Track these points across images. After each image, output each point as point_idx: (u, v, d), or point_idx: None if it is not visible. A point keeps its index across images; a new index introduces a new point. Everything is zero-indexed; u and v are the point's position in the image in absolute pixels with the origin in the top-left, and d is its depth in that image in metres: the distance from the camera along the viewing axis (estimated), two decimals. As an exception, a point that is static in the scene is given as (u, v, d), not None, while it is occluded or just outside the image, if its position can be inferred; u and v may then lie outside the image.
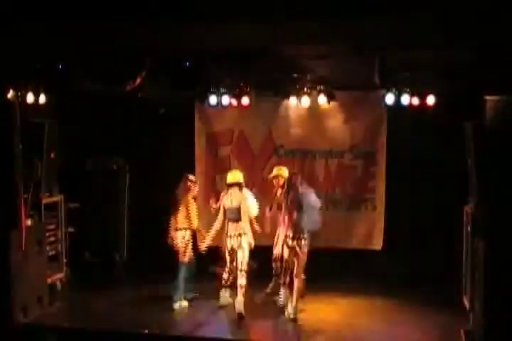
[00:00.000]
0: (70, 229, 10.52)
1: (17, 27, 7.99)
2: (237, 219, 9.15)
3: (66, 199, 10.30)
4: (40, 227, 9.49)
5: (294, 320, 8.88)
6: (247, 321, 8.99)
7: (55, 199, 10.02)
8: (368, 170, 10.83)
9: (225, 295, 9.56)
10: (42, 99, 9.73)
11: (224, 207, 9.23)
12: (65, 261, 10.23)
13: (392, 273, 10.24)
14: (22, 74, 9.30)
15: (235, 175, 9.37)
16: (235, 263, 9.30)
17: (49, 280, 9.60)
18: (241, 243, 9.16)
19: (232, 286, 9.45)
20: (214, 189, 11.02)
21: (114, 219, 11.36)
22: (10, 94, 9.44)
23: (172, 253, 10.79)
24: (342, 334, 8.61)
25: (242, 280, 9.10)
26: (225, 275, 9.50)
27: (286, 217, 8.85)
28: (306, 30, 7.42)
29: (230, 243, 9.21)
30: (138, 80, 8.66)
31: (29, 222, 9.03)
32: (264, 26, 7.43)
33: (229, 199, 9.22)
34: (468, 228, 8.59)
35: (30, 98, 9.60)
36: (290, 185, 8.98)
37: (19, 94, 9.51)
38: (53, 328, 8.69)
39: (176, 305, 9.41)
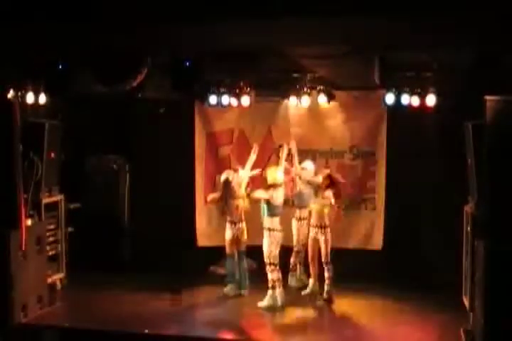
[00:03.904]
0: (70, 229, 10.52)
1: (17, 27, 7.98)
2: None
3: (66, 199, 10.31)
4: (40, 227, 9.49)
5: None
6: (247, 321, 9.01)
7: (55, 199, 10.02)
8: (368, 170, 10.83)
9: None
10: (42, 99, 9.74)
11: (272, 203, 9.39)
12: (65, 261, 10.24)
13: (392, 273, 10.23)
14: (22, 74, 9.30)
15: (275, 176, 9.51)
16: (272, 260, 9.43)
17: (49, 280, 9.62)
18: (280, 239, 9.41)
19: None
20: (214, 189, 11.01)
21: (114, 219, 11.36)
22: (10, 94, 9.45)
23: (171, 253, 10.83)
24: (342, 334, 8.61)
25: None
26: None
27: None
28: (306, 30, 7.42)
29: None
30: (138, 80, 8.64)
31: (29, 222, 9.03)
32: (264, 26, 7.42)
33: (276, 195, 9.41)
34: (468, 228, 8.59)
35: (30, 98, 9.61)
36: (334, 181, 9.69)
37: (19, 94, 9.52)
38: (53, 328, 8.70)
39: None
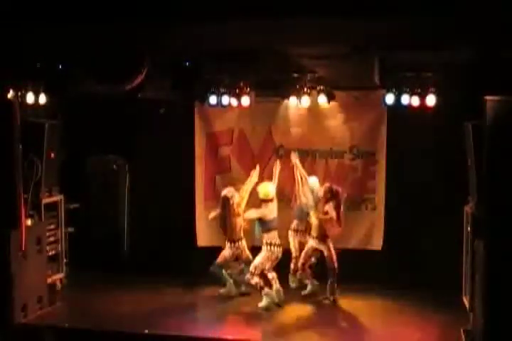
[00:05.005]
0: (70, 229, 10.52)
1: (17, 27, 7.99)
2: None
3: (66, 200, 10.31)
4: (40, 227, 9.49)
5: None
6: (246, 321, 9.01)
7: (55, 199, 10.01)
8: (368, 170, 10.82)
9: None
10: (42, 99, 9.73)
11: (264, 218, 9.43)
12: (65, 261, 10.24)
13: (392, 273, 10.23)
14: (22, 74, 9.30)
15: (266, 191, 9.52)
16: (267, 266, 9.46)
17: (49, 280, 9.61)
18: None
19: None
20: (214, 189, 11.02)
21: (114, 219, 11.36)
22: (10, 94, 9.45)
23: (171, 253, 10.81)
24: (342, 335, 8.61)
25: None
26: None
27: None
28: (306, 30, 7.43)
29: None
30: (138, 80, 8.65)
31: (29, 222, 9.03)
32: (264, 26, 7.43)
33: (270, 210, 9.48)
34: (468, 228, 8.59)
35: (30, 98, 9.60)
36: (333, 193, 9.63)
37: (19, 94, 9.52)
38: (53, 328, 8.70)
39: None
